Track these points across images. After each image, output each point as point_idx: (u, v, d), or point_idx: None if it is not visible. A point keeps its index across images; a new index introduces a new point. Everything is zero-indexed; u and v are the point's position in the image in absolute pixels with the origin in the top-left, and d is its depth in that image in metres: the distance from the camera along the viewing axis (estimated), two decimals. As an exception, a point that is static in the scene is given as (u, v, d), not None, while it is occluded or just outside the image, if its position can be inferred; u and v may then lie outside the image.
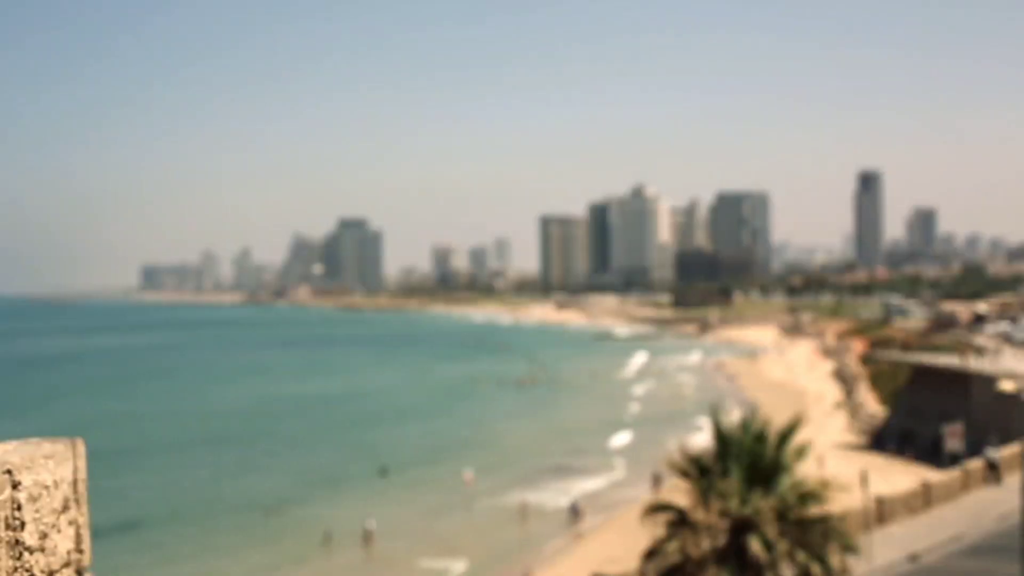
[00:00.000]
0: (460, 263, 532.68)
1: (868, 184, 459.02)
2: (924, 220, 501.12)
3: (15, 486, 2.26)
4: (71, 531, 2.48)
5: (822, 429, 57.37)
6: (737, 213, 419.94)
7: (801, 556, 20.93)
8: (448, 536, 43.35)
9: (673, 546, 21.28)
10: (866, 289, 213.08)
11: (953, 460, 41.59)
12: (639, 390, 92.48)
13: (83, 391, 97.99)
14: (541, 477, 53.60)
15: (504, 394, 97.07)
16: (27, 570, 2.28)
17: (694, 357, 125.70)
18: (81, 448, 2.59)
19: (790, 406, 60.68)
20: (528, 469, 54.87)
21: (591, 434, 61.52)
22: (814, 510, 21.95)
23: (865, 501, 30.84)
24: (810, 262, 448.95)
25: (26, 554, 2.28)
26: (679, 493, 23.95)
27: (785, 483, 22.01)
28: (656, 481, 46.30)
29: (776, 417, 28.57)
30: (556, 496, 48.93)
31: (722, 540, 21.22)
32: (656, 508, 22.99)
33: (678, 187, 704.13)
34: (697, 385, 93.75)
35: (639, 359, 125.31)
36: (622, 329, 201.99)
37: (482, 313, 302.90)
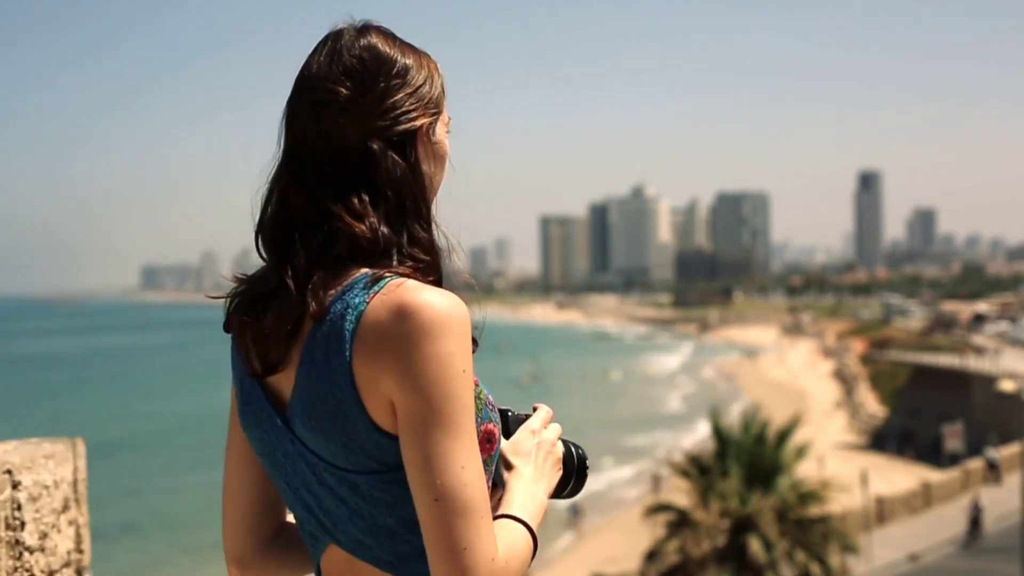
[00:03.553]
0: (460, 263, 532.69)
1: (868, 184, 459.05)
2: (924, 220, 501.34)
3: (15, 486, 2.26)
4: (71, 531, 2.48)
5: (822, 429, 57.29)
6: (737, 213, 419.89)
7: (801, 556, 20.94)
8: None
9: (673, 546, 21.30)
10: (866, 289, 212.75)
11: (953, 460, 41.56)
12: (683, 390, 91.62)
13: (83, 391, 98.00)
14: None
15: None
16: (27, 570, 2.28)
17: (729, 356, 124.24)
18: (81, 448, 2.59)
19: (790, 406, 60.65)
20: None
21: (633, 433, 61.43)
22: (814, 510, 21.96)
23: (865, 501, 30.83)
24: (810, 262, 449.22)
25: (26, 554, 2.28)
26: (679, 493, 23.95)
27: (785, 483, 22.03)
28: (656, 481, 46.28)
29: (776, 417, 28.56)
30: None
31: (722, 540, 21.24)
32: (656, 508, 23.01)
33: (678, 187, 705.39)
34: (728, 385, 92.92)
35: (674, 358, 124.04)
36: (637, 328, 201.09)
37: (492, 313, 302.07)
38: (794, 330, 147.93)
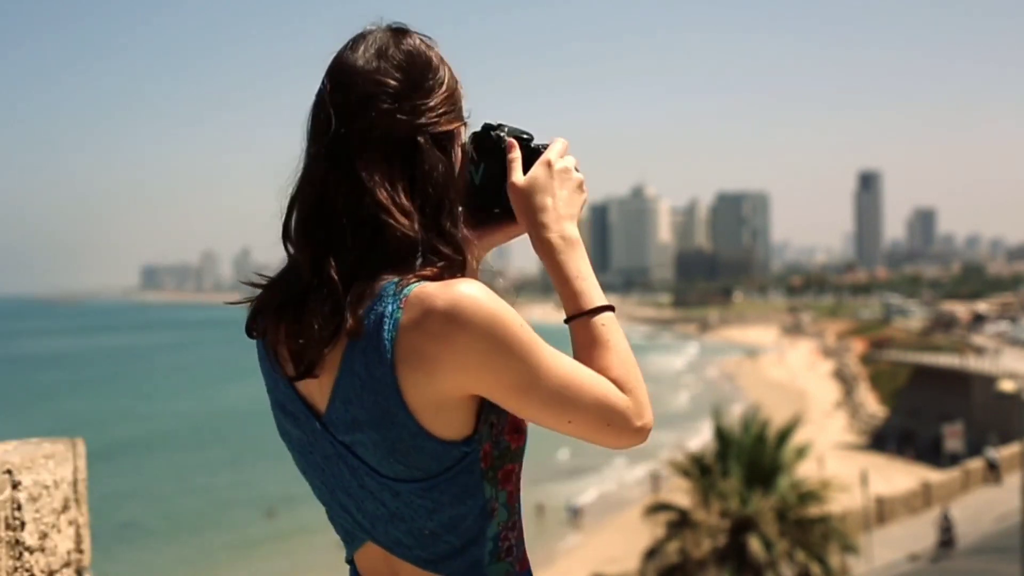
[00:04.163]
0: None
1: (868, 184, 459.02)
2: (924, 220, 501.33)
3: (15, 486, 2.25)
4: (71, 531, 2.48)
5: (822, 429, 57.26)
6: (737, 213, 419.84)
7: (801, 556, 20.95)
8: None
9: (673, 546, 21.30)
10: (866, 289, 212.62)
11: (953, 460, 41.54)
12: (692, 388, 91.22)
13: (83, 391, 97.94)
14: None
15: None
16: (27, 570, 2.28)
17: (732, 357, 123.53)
18: (81, 448, 2.58)
19: (790, 406, 60.63)
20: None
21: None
22: (814, 510, 21.97)
23: (865, 501, 30.84)
24: (810, 262, 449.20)
25: (26, 554, 2.28)
26: (679, 493, 23.96)
27: (785, 483, 22.04)
28: (656, 481, 46.28)
29: (776, 417, 28.55)
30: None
31: (722, 540, 21.24)
32: (656, 508, 23.02)
33: (678, 187, 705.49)
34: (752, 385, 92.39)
35: (680, 358, 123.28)
36: (640, 329, 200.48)
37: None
38: (794, 330, 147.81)
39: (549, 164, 1.54)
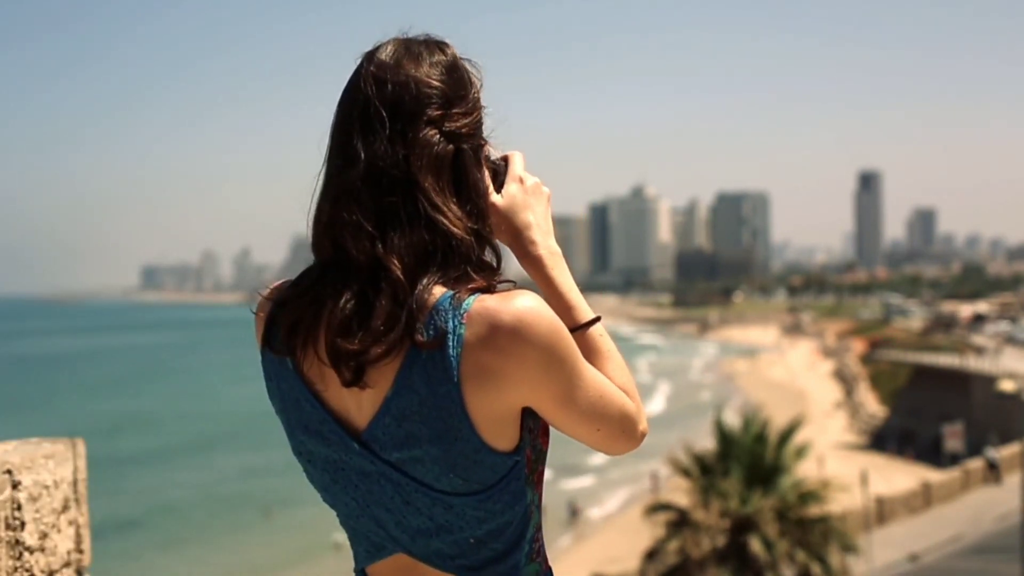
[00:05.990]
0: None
1: (868, 184, 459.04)
2: (924, 220, 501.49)
3: (15, 486, 2.25)
4: (71, 531, 2.48)
5: (822, 429, 57.21)
6: (737, 213, 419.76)
7: (801, 556, 20.94)
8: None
9: (673, 546, 21.29)
10: (866, 289, 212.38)
11: (953, 460, 41.54)
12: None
13: (83, 391, 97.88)
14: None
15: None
16: (27, 570, 2.28)
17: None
18: (81, 448, 2.58)
19: (790, 406, 60.60)
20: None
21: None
22: (814, 510, 21.96)
23: (865, 501, 30.84)
24: (810, 262, 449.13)
25: (26, 554, 2.28)
26: (679, 493, 23.95)
27: (785, 483, 22.03)
28: (656, 481, 46.29)
29: (776, 417, 28.54)
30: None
31: (722, 540, 21.23)
32: (656, 508, 23.01)
33: (678, 187, 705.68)
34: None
35: (692, 359, 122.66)
36: (647, 329, 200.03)
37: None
38: (794, 330, 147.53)
39: (521, 180, 1.55)
